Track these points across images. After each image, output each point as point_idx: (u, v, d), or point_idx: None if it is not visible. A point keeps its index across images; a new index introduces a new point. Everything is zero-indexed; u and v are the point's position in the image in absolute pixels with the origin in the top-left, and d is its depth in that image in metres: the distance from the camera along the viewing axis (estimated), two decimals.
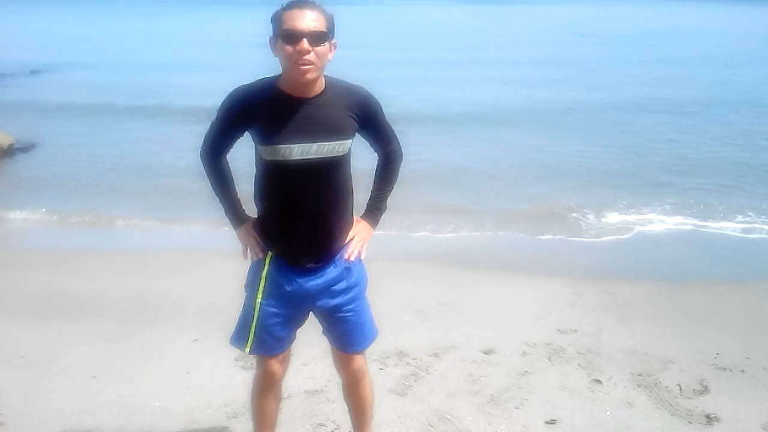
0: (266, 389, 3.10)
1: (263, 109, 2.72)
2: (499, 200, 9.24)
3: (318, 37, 2.60)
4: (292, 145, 2.70)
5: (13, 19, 50.91)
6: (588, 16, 59.72)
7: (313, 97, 2.72)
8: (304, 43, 2.55)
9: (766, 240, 7.74)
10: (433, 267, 6.62)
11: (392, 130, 3.08)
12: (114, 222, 8.32)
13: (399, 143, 3.13)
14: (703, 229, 7.97)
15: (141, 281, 6.11)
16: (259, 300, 2.93)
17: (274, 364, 3.01)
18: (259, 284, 2.94)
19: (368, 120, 2.89)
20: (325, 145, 2.74)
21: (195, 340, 4.90)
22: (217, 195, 3.07)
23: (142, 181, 10.20)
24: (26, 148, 11.89)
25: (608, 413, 3.99)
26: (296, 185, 2.79)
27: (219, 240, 5.47)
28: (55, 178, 10.28)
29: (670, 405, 4.07)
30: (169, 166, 10.89)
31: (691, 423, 3.89)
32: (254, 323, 2.93)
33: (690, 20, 53.63)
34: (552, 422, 3.88)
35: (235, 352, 4.40)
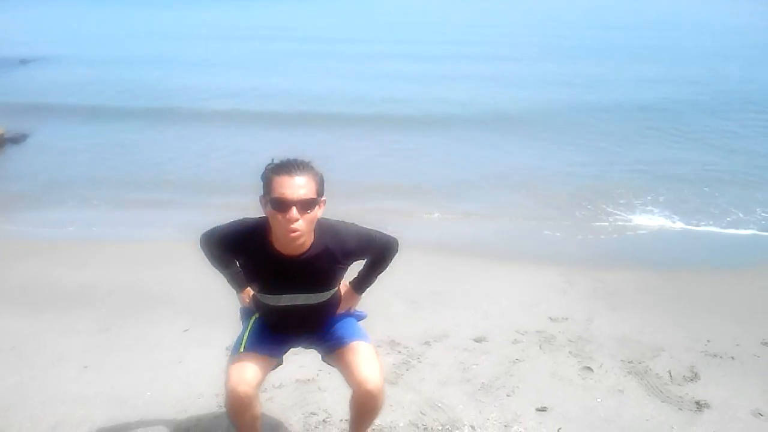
0: (239, 411, 2.90)
1: (253, 260, 2.91)
2: (493, 190, 9.23)
3: (307, 205, 2.64)
4: (279, 296, 2.93)
5: (4, 10, 50.50)
6: (583, 4, 59.45)
7: (301, 254, 2.80)
8: (293, 212, 2.60)
9: (754, 234, 7.75)
10: (425, 256, 6.60)
11: (381, 244, 3.12)
12: (105, 212, 8.30)
13: (390, 242, 3.17)
14: (693, 225, 7.95)
15: (132, 271, 6.10)
16: (248, 333, 3.10)
17: (243, 385, 2.83)
18: (248, 324, 3.15)
19: (358, 259, 3.06)
20: (312, 296, 2.95)
21: (186, 330, 4.90)
22: (217, 270, 3.20)
23: (133, 171, 10.17)
24: (17, 139, 11.82)
25: (599, 400, 4.00)
26: (285, 317, 3.03)
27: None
28: (45, 169, 10.24)
29: (661, 392, 4.08)
30: (160, 157, 10.86)
31: (681, 410, 3.91)
32: (243, 341, 3.05)
33: (685, 11, 53.35)
34: (543, 409, 3.89)
35: (227, 341, 4.42)
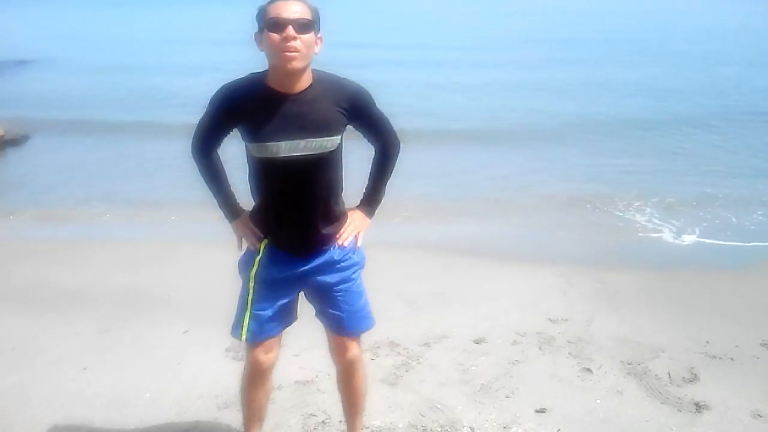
0: (256, 380, 3.08)
1: (250, 107, 2.71)
2: (491, 190, 9.23)
3: (304, 25, 2.58)
4: (279, 143, 2.70)
5: (3, 10, 50.53)
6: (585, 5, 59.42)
7: (300, 93, 2.70)
8: (290, 30, 2.53)
9: (754, 235, 7.76)
10: (425, 257, 6.62)
11: (386, 122, 3.04)
12: (105, 212, 8.30)
13: (395, 134, 3.09)
14: (693, 226, 7.94)
15: (132, 272, 6.10)
16: (251, 285, 2.96)
17: (263, 354, 2.99)
18: (252, 270, 2.96)
19: (358, 114, 2.86)
20: (312, 141, 2.73)
21: (186, 332, 4.90)
22: (209, 189, 3.08)
23: (133, 171, 10.18)
24: (16, 140, 11.82)
25: (598, 402, 4.01)
26: (286, 180, 2.80)
27: (210, 230, 5.45)
28: (45, 170, 10.26)
29: (660, 393, 4.09)
30: (160, 155, 10.86)
31: (680, 411, 3.91)
32: (248, 311, 2.95)
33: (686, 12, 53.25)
34: (542, 411, 3.89)
35: (226, 342, 4.42)
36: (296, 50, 2.56)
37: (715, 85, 18.21)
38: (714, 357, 4.57)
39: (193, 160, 3.01)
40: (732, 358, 4.56)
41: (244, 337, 2.96)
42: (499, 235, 7.54)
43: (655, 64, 22.29)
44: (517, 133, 12.82)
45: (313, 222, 2.90)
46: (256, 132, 2.71)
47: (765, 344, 4.76)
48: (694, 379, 4.27)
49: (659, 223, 7.91)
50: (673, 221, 7.91)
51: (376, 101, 2.93)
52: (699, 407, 3.94)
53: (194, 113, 2.99)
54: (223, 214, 3.10)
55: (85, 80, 18.98)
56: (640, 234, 7.62)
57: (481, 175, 9.98)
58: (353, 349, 3.10)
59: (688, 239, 7.41)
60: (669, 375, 4.31)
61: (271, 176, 2.83)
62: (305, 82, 2.71)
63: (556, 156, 11.17)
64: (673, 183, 9.47)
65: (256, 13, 2.67)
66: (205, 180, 3.06)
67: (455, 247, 6.98)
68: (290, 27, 2.54)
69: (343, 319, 3.04)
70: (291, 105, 2.69)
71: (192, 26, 40.26)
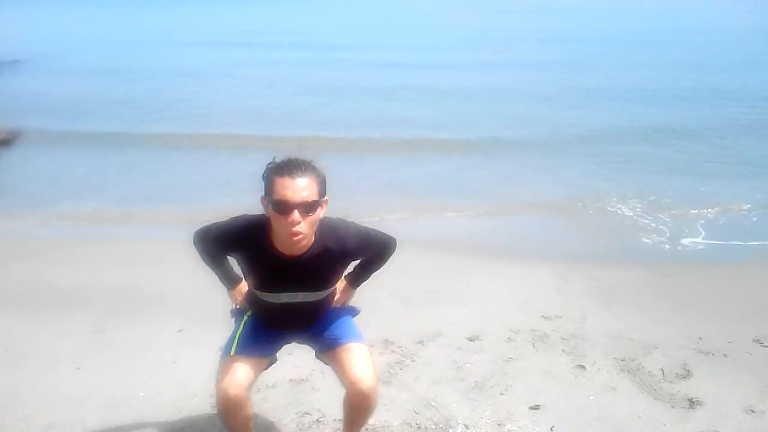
0: (230, 412, 2.89)
1: (253, 259, 2.87)
2: (487, 188, 9.24)
3: (309, 207, 2.63)
4: (279, 294, 2.91)
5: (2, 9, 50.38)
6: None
7: (302, 254, 2.79)
8: (295, 215, 2.59)
9: (747, 231, 7.77)
10: (419, 254, 6.60)
11: (381, 245, 3.14)
12: (98, 213, 8.28)
13: (388, 242, 3.17)
14: (686, 222, 7.96)
15: (125, 272, 6.09)
16: (242, 325, 3.13)
17: (233, 389, 2.83)
18: (243, 318, 3.16)
19: (354, 259, 3.05)
20: (311, 294, 2.94)
21: (180, 331, 4.90)
22: (209, 268, 3.23)
23: (127, 172, 10.16)
24: (10, 140, 11.79)
25: (592, 398, 4.02)
26: (282, 313, 3.02)
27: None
28: (39, 169, 10.23)
29: (653, 389, 4.10)
30: (154, 156, 10.85)
31: (673, 407, 3.93)
32: (236, 339, 3.05)
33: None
34: (536, 408, 3.91)
35: (220, 341, 4.39)
36: (301, 233, 2.64)
37: (715, 86, 18.22)
38: (707, 353, 4.59)
39: (194, 245, 3.13)
40: (725, 354, 4.58)
41: (233, 353, 2.98)
42: (493, 233, 7.55)
43: (648, 66, 22.26)
44: (512, 135, 12.81)
45: (305, 329, 3.18)
46: (255, 282, 2.94)
47: (758, 340, 4.78)
48: (687, 375, 4.29)
49: (653, 220, 7.92)
50: (667, 219, 7.94)
51: (369, 232, 3.04)
52: (692, 403, 3.96)
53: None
54: (222, 284, 3.29)
55: (82, 79, 18.93)
56: (634, 231, 7.63)
57: (475, 174, 9.97)
58: (367, 378, 2.94)
59: (682, 237, 7.41)
60: (662, 371, 4.32)
61: (267, 307, 3.03)
62: (308, 243, 2.79)
63: (550, 154, 11.17)
64: (667, 181, 9.49)
65: (262, 173, 2.71)
66: (204, 262, 3.19)
67: (449, 245, 6.99)
68: (296, 212, 2.58)
69: (338, 336, 3.11)
70: (293, 264, 2.80)
71: (186, 26, 40.09)
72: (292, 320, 3.08)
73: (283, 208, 2.58)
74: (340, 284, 3.25)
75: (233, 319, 3.25)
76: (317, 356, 3.23)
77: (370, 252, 3.10)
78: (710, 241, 7.29)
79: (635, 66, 21.49)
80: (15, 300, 5.50)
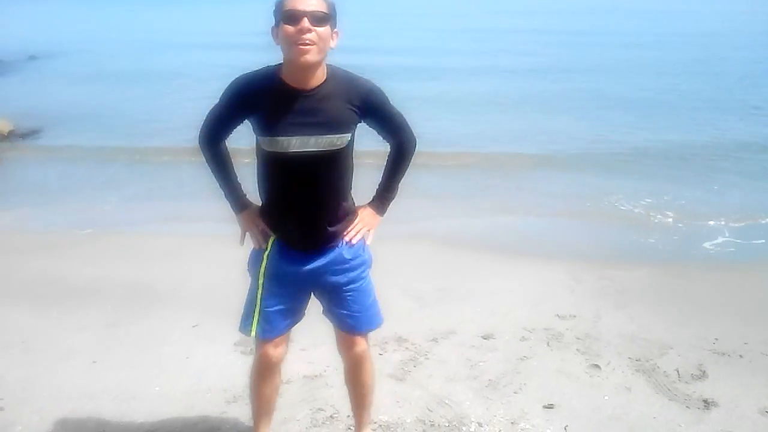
0: (264, 374, 3.09)
1: (264, 100, 2.71)
2: (499, 186, 9.23)
3: (320, 18, 2.58)
4: (290, 138, 2.70)
5: (14, 6, 50.69)
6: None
7: (313, 89, 2.70)
8: (305, 22, 2.54)
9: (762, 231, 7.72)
10: (432, 252, 6.62)
11: (401, 120, 3.02)
12: (114, 207, 8.32)
13: (410, 131, 3.08)
14: (701, 221, 7.90)
15: (140, 266, 6.12)
16: (261, 281, 2.96)
17: (272, 349, 3.00)
18: (261, 266, 2.96)
19: (371, 112, 2.86)
20: (323, 138, 2.73)
21: (195, 326, 4.91)
22: (216, 180, 3.07)
23: (142, 165, 10.21)
24: (26, 135, 11.88)
25: (606, 398, 4.00)
26: (295, 175, 2.80)
27: (219, 224, 5.45)
28: (54, 165, 10.30)
29: (668, 390, 4.07)
30: (170, 149, 10.90)
31: (689, 408, 3.90)
32: (258, 307, 2.95)
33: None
34: (550, 407, 3.89)
35: (235, 337, 4.43)
36: (311, 42, 2.56)
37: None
38: (722, 354, 4.56)
39: (200, 148, 3.01)
40: (741, 356, 4.54)
41: (253, 333, 2.96)
42: (506, 231, 7.53)
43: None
44: (524, 131, 12.79)
45: (322, 218, 2.90)
46: (267, 126, 2.71)
47: None
48: (702, 376, 4.26)
49: (667, 220, 7.88)
50: (682, 219, 7.89)
51: (389, 99, 2.93)
52: (707, 404, 3.93)
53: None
54: (229, 206, 3.10)
55: (97, 74, 19.03)
56: (648, 231, 7.59)
57: (489, 173, 9.95)
58: (361, 344, 3.11)
59: (697, 237, 7.37)
60: (677, 372, 4.29)
61: (280, 171, 2.83)
62: (319, 77, 2.71)
63: (563, 152, 11.14)
64: (681, 180, 9.44)
65: (273, 9, 2.66)
66: (212, 170, 3.05)
67: (463, 243, 6.98)
68: (305, 19, 2.54)
69: (352, 319, 3.05)
70: (303, 101, 2.69)
71: (184, 26, 40.20)
72: (308, 194, 2.84)
73: (293, 17, 2.55)
74: (364, 210, 3.11)
75: (249, 271, 3.06)
76: (324, 314, 3.17)
77: (387, 120, 2.97)
78: (725, 242, 7.23)
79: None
80: (30, 294, 5.54)
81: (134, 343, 4.70)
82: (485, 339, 4.73)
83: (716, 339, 4.76)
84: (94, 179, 9.52)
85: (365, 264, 3.08)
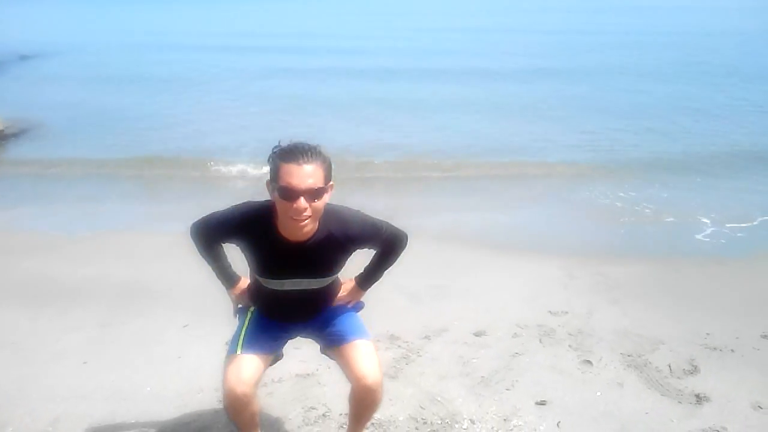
0: (238, 409, 2.91)
1: (258, 244, 2.84)
2: (493, 181, 9.23)
3: (315, 194, 2.60)
4: (283, 281, 2.89)
5: (9, 7, 50.50)
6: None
7: (306, 240, 2.77)
8: (302, 202, 2.56)
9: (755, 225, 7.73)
10: (425, 249, 6.59)
11: (389, 236, 3.07)
12: (106, 207, 8.30)
13: (400, 236, 3.12)
14: (695, 217, 7.91)
15: (132, 267, 6.10)
16: (247, 320, 3.12)
17: (241, 387, 2.84)
18: (247, 314, 3.16)
19: (362, 246, 2.98)
20: (315, 280, 2.93)
21: (186, 326, 4.91)
22: (207, 263, 3.19)
23: (134, 165, 10.17)
24: (17, 134, 11.83)
25: (598, 394, 4.01)
26: (286, 302, 3.00)
27: None
28: (45, 163, 10.25)
29: (660, 385, 4.09)
30: (161, 149, 10.87)
31: (680, 403, 3.91)
32: (242, 336, 3.05)
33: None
34: (542, 403, 3.90)
35: (226, 336, 4.37)
36: (307, 218, 2.63)
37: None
38: (714, 349, 4.57)
39: (192, 239, 3.08)
40: (732, 350, 4.56)
41: (239, 351, 2.96)
42: (499, 228, 7.53)
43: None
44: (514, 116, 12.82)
45: (309, 319, 3.15)
46: (260, 269, 2.90)
47: (765, 336, 4.76)
48: (694, 371, 4.27)
49: (660, 215, 7.88)
50: (675, 214, 7.89)
51: (379, 222, 3.01)
52: (699, 399, 3.95)
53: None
54: (221, 283, 3.26)
55: (86, 72, 18.97)
56: (640, 227, 7.60)
57: (480, 168, 9.95)
58: (373, 373, 2.94)
59: (689, 232, 7.38)
60: (669, 367, 4.31)
61: (270, 295, 3.01)
62: (313, 229, 2.77)
63: (557, 150, 11.15)
64: (674, 176, 9.46)
65: (268, 157, 2.68)
66: (202, 255, 3.15)
67: (456, 240, 6.97)
68: (302, 199, 2.56)
69: (343, 332, 3.10)
70: (297, 249, 2.79)
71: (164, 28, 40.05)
72: (297, 310, 3.06)
73: (289, 194, 2.56)
74: (348, 284, 3.24)
75: (236, 317, 3.23)
76: (322, 351, 3.23)
77: (378, 242, 3.05)
78: (717, 238, 7.23)
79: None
80: (22, 294, 5.52)
81: (126, 343, 4.69)
82: (477, 336, 4.73)
83: (708, 334, 4.77)
84: (87, 179, 9.47)
85: (351, 308, 3.26)
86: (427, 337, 4.70)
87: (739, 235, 7.31)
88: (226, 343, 4.40)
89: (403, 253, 3.19)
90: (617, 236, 7.31)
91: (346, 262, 3.01)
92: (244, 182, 9.30)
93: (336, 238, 2.82)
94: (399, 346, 4.56)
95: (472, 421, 3.72)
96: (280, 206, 2.63)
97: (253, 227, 2.80)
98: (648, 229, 7.51)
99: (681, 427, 3.69)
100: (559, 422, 3.73)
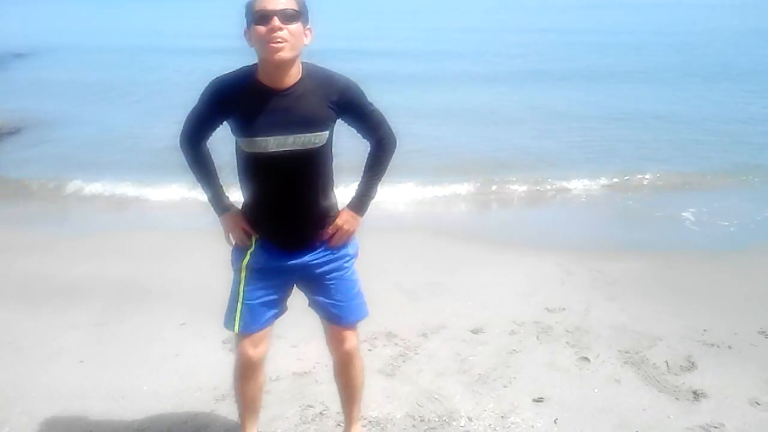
0: (247, 374, 3.07)
1: (240, 101, 2.72)
2: (490, 178, 9.22)
3: (290, 16, 2.58)
4: (268, 138, 2.71)
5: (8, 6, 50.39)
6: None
7: (289, 88, 2.71)
8: (276, 21, 2.55)
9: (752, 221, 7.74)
10: (422, 246, 6.62)
11: (379, 117, 3.00)
12: (102, 204, 8.30)
13: (389, 129, 3.05)
14: (690, 214, 7.91)
15: (129, 265, 6.10)
16: (243, 274, 2.97)
17: (252, 348, 2.98)
18: (243, 260, 2.98)
19: (348, 109, 2.86)
20: (301, 137, 2.73)
21: (183, 324, 4.90)
22: (199, 182, 3.08)
23: (130, 162, 10.16)
24: (12, 132, 11.81)
25: (596, 390, 4.01)
26: (274, 175, 2.81)
27: (207, 221, 5.36)
28: (41, 162, 10.23)
29: (658, 381, 4.09)
30: (157, 146, 10.82)
31: (678, 399, 3.91)
32: (240, 298, 2.96)
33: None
34: (540, 400, 3.90)
35: (224, 334, 4.41)
36: (283, 40, 2.57)
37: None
38: (712, 345, 4.57)
39: (181, 151, 3.01)
40: (730, 346, 4.56)
41: (236, 328, 2.96)
42: (496, 224, 7.55)
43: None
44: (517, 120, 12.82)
45: (302, 217, 2.92)
46: (245, 127, 2.73)
47: (763, 332, 4.75)
48: (691, 367, 4.27)
49: (657, 211, 7.90)
50: (672, 210, 7.90)
51: (367, 96, 2.92)
52: (697, 395, 3.95)
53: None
54: (212, 208, 3.10)
55: (82, 70, 18.95)
56: (637, 222, 7.61)
57: (478, 164, 9.95)
58: (350, 339, 3.11)
59: (687, 228, 7.39)
60: (667, 363, 4.31)
61: (259, 171, 2.84)
62: (294, 76, 2.71)
63: (552, 145, 11.15)
64: (672, 171, 9.46)
65: (245, 9, 2.66)
66: (193, 172, 3.05)
67: (453, 236, 6.97)
68: (276, 18, 2.55)
69: (336, 309, 3.05)
70: (280, 100, 2.70)
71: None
72: (288, 190, 2.85)
73: (263, 17, 2.56)
74: (343, 213, 3.06)
75: (232, 267, 3.06)
76: (310, 305, 3.16)
77: (365, 118, 2.95)
78: (714, 233, 7.25)
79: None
80: (18, 293, 5.52)
81: (123, 341, 4.68)
82: (475, 333, 4.73)
83: (705, 330, 4.77)
84: (83, 177, 9.43)
85: (348, 255, 3.08)
86: (424, 335, 4.70)
87: (736, 230, 7.32)
88: (224, 342, 4.47)
89: (391, 163, 3.09)
90: (614, 232, 7.31)
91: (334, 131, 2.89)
92: None
93: (320, 87, 2.77)
94: (396, 344, 4.55)
95: (470, 419, 3.72)
96: (257, 35, 2.60)
97: (233, 83, 2.75)
98: (645, 225, 7.51)
99: (678, 424, 3.69)
100: (557, 419, 3.73)
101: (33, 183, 9.15)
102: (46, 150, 11.00)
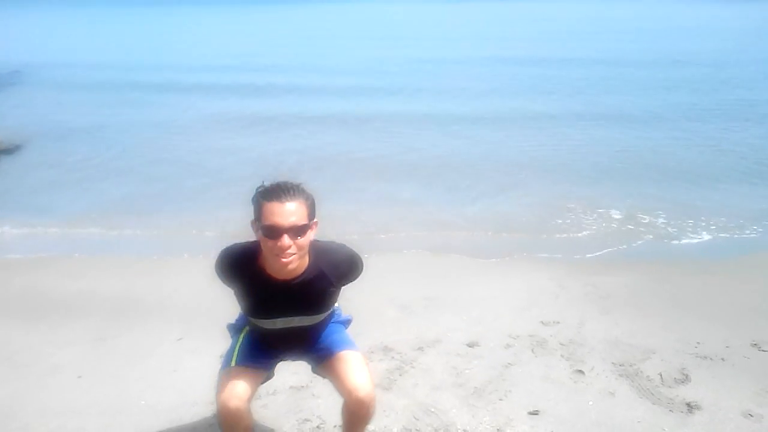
0: (232, 427, 2.91)
1: (245, 286, 2.87)
2: (485, 194, 9.25)
3: (299, 231, 2.64)
4: (274, 320, 2.91)
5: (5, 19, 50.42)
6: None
7: (295, 278, 2.80)
8: (285, 240, 2.60)
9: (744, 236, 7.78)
10: (418, 262, 6.65)
11: (358, 260, 3.07)
12: (99, 223, 8.28)
13: (359, 261, 3.10)
14: (684, 227, 7.97)
15: (126, 281, 6.11)
16: (241, 338, 3.15)
17: (234, 401, 2.85)
18: (242, 332, 3.18)
19: (348, 282, 3.04)
20: (306, 318, 2.94)
21: (180, 339, 4.92)
22: None
23: (127, 183, 10.15)
24: (10, 150, 11.81)
25: (590, 403, 4.04)
26: (278, 340, 3.04)
27: (203, 243, 5.43)
28: (39, 181, 10.22)
29: (652, 394, 4.12)
30: (155, 170, 10.85)
31: (672, 411, 3.94)
32: (236, 349, 3.10)
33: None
34: (535, 413, 3.93)
35: (221, 349, 4.41)
36: (292, 255, 2.66)
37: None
38: (705, 358, 4.61)
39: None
40: (723, 359, 4.60)
41: (233, 364, 3.01)
42: (491, 239, 7.56)
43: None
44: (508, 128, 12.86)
45: (300, 346, 3.17)
46: (250, 311, 2.93)
47: (755, 344, 4.80)
48: (685, 379, 4.31)
49: (651, 225, 7.93)
50: (665, 224, 7.94)
51: (358, 258, 3.05)
52: (690, 408, 3.98)
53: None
54: None
55: (79, 88, 18.95)
56: (631, 236, 7.63)
57: (471, 180, 9.98)
58: (364, 387, 2.94)
59: (680, 242, 7.44)
60: (660, 376, 4.34)
61: (263, 334, 3.06)
62: (301, 267, 2.80)
63: (544, 162, 11.18)
64: (663, 186, 9.51)
65: (252, 198, 2.72)
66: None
67: (448, 251, 7.00)
68: (285, 236, 2.60)
69: (330, 345, 3.14)
70: (286, 289, 2.81)
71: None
72: (289, 342, 3.09)
73: (273, 233, 2.60)
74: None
75: (231, 334, 3.26)
76: (314, 371, 3.26)
77: (357, 274, 3.10)
78: (707, 246, 7.30)
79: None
80: (16, 309, 5.53)
81: (121, 357, 4.70)
82: (470, 347, 4.76)
83: (698, 343, 4.81)
84: (81, 196, 9.45)
85: (338, 324, 3.28)
86: (420, 349, 4.72)
87: (728, 243, 7.37)
88: (221, 357, 4.47)
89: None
90: (607, 246, 7.34)
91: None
92: None
93: (327, 276, 2.87)
94: (392, 358, 4.58)
95: None
96: (265, 245, 2.66)
97: (239, 269, 2.84)
98: (638, 239, 7.55)
99: None
100: (552, 431, 3.76)
101: (30, 201, 9.13)
102: (43, 169, 10.97)
